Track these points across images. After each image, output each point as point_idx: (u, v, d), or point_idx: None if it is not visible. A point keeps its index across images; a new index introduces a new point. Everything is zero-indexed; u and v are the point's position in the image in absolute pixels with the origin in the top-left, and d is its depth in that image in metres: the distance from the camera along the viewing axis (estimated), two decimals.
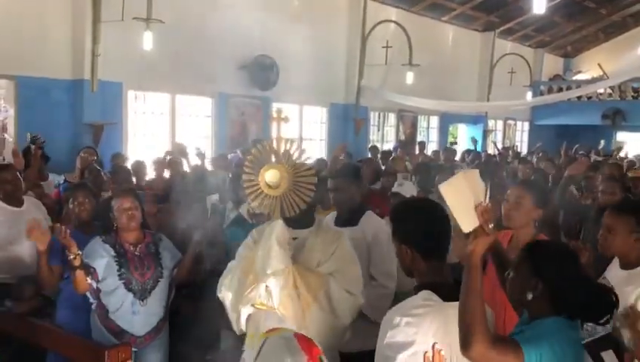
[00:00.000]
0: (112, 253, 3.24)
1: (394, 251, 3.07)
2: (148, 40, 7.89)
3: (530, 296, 1.90)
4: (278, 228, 2.52)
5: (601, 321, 1.94)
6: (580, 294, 1.88)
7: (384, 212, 4.84)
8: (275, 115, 2.71)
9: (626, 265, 2.71)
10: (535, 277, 1.90)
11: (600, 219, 4.09)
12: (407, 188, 4.71)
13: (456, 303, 1.82)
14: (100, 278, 3.18)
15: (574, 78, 18.98)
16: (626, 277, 2.61)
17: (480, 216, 1.84)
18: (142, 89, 8.88)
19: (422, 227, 2.03)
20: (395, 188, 4.74)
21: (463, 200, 1.86)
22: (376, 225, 3.42)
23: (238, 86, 9.96)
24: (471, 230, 1.85)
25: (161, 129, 9.30)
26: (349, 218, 3.42)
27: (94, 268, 3.17)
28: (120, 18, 7.53)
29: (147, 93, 9.07)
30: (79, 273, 3.07)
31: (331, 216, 3.56)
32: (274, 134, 3.50)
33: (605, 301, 1.91)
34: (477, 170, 2.01)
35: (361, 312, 2.81)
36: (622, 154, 13.28)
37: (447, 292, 1.93)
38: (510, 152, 12.45)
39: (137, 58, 8.08)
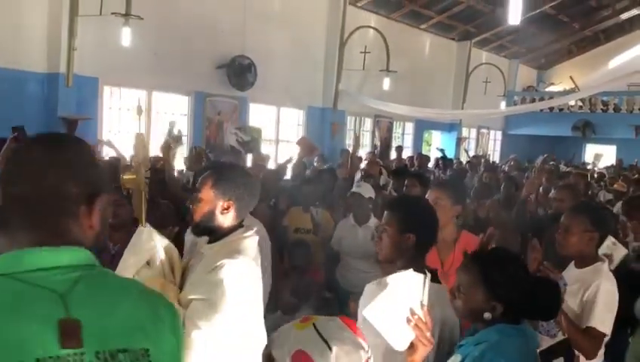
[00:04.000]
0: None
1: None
2: (126, 36, 7.85)
3: (489, 316, 1.90)
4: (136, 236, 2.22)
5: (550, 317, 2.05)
6: (536, 300, 1.91)
7: None
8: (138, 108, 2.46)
9: (579, 265, 2.85)
10: (493, 301, 1.90)
11: (553, 225, 4.30)
12: (366, 190, 4.76)
13: (436, 285, 2.01)
14: None
15: (547, 89, 19.40)
16: (577, 276, 2.76)
17: (414, 329, 1.75)
18: (118, 85, 8.82)
19: (429, 221, 2.27)
20: (355, 189, 4.78)
21: (391, 318, 1.76)
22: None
23: (216, 85, 9.96)
24: (405, 348, 1.77)
25: (137, 126, 9.22)
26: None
27: None
28: (98, 12, 7.49)
29: (123, 89, 9.00)
30: None
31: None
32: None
33: (556, 298, 1.98)
34: (409, 273, 1.85)
35: None
36: (597, 165, 13.64)
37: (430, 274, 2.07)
38: (482, 160, 12.67)
39: (114, 53, 8.03)
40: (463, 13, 14.58)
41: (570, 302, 2.67)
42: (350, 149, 8.61)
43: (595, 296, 2.66)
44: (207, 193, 2.24)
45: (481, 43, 16.53)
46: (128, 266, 2.15)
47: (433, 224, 2.28)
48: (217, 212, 2.23)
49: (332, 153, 11.15)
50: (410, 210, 2.29)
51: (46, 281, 1.06)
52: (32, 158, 1.14)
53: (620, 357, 3.04)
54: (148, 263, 2.16)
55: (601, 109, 16.91)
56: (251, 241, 2.27)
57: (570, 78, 18.79)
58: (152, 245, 2.17)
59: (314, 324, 1.43)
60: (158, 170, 4.83)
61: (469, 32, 15.70)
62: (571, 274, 2.82)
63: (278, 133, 11.72)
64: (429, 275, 1.82)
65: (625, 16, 17.46)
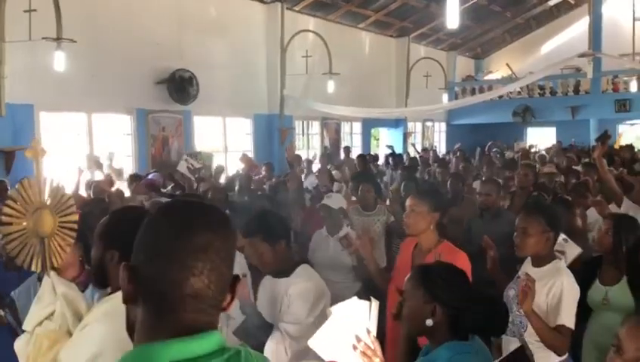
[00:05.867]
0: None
1: None
2: (59, 60, 7.56)
3: (430, 323, 1.90)
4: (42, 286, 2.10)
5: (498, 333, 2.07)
6: (477, 312, 1.91)
7: (316, 226, 4.87)
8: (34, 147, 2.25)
9: (537, 263, 2.92)
10: (432, 303, 1.90)
11: (482, 219, 4.43)
12: (336, 200, 4.68)
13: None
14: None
15: (485, 77, 19.91)
16: (536, 275, 2.80)
17: (362, 356, 1.77)
18: (55, 110, 8.49)
19: (281, 224, 2.79)
20: (324, 201, 4.68)
21: (337, 346, 1.79)
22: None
23: (157, 101, 9.74)
24: None
25: (79, 150, 8.92)
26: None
27: (11, 302, 3.09)
28: (27, 38, 7.19)
29: (61, 113, 8.68)
30: None
31: None
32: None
33: (501, 313, 1.99)
34: (353, 301, 1.86)
35: None
36: (532, 149, 14.12)
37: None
38: (431, 154, 12.89)
39: (49, 78, 7.73)
40: (399, 10, 14.78)
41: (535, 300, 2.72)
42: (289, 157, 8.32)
43: (560, 294, 2.74)
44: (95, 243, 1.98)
45: (418, 38, 16.80)
46: (31, 319, 2.03)
47: (286, 224, 2.83)
48: (106, 263, 1.89)
49: (282, 159, 11.07)
50: (262, 223, 2.75)
51: None
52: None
53: (576, 343, 3.13)
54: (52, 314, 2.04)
55: (539, 93, 17.46)
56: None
57: (507, 65, 19.35)
58: (52, 296, 2.04)
59: None
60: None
61: (406, 28, 15.93)
62: (530, 273, 2.85)
63: (226, 144, 11.58)
64: (375, 302, 1.83)
65: (552, 2, 18.11)
